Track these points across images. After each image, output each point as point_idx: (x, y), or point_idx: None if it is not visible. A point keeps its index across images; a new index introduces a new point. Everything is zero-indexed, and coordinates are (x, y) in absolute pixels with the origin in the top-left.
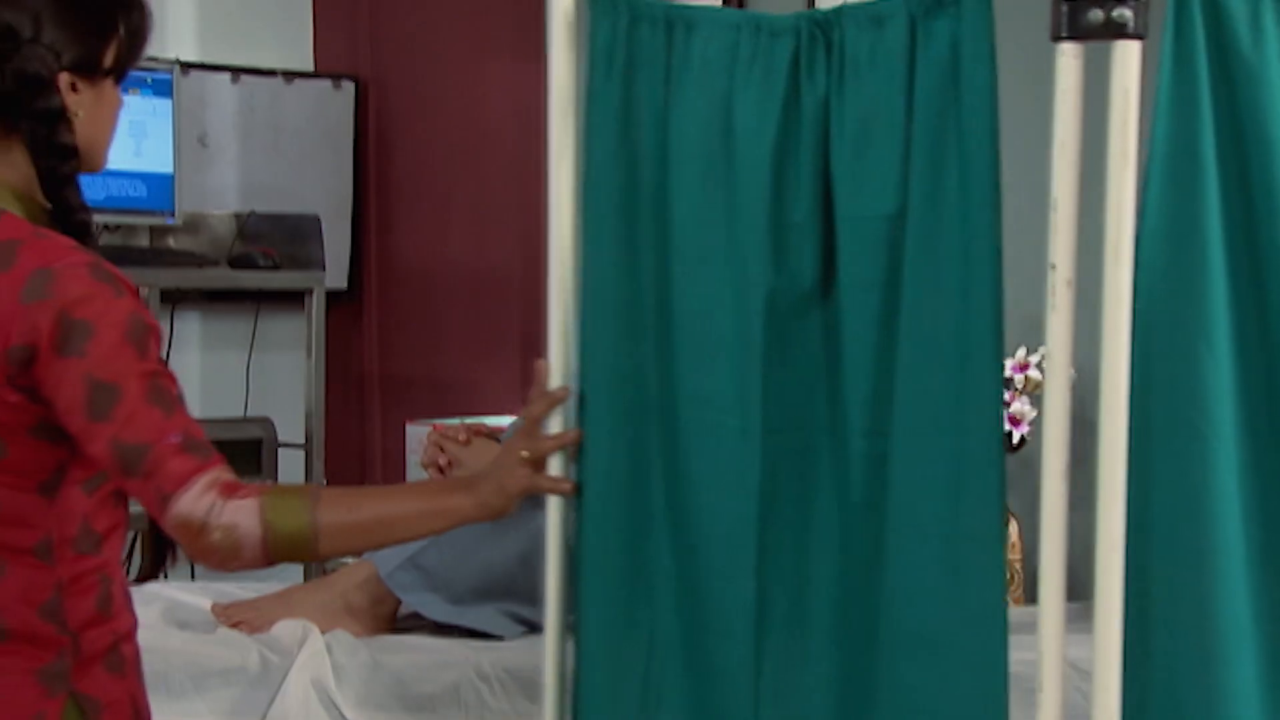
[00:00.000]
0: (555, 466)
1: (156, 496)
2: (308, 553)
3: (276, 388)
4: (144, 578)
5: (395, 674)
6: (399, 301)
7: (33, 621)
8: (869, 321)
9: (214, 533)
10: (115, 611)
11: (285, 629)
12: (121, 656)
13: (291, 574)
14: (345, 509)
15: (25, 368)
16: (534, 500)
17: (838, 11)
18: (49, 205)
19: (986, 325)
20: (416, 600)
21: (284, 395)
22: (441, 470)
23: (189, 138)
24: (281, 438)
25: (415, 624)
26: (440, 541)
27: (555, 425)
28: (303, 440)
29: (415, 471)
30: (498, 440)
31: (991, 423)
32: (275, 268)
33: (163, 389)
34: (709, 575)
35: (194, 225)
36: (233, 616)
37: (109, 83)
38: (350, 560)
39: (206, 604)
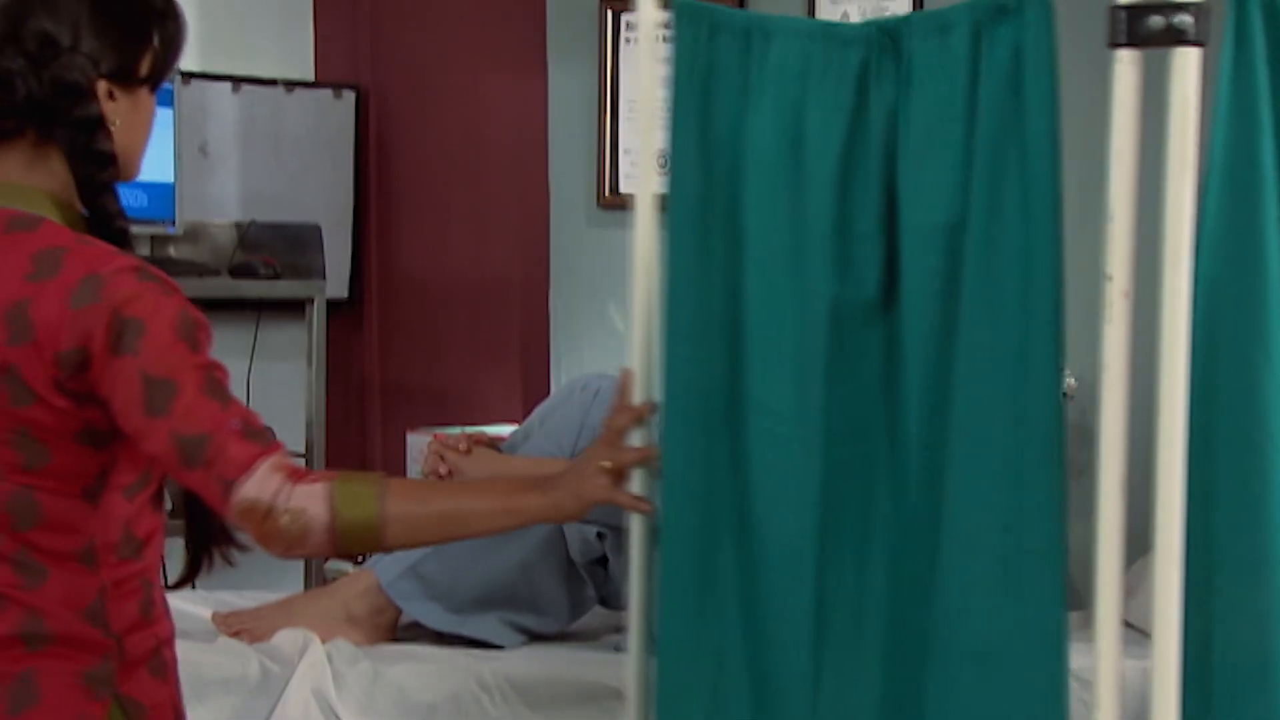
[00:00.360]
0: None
1: (219, 484)
2: (374, 543)
3: (277, 397)
4: (179, 584)
5: (396, 683)
6: (400, 310)
7: (77, 625)
8: (929, 332)
9: (281, 516)
10: (156, 616)
11: (286, 638)
12: (163, 661)
13: (292, 583)
14: (415, 501)
15: (78, 371)
16: None
17: (906, 20)
18: (86, 212)
19: (1046, 336)
20: (417, 609)
21: (285, 404)
22: (442, 479)
23: (190, 147)
24: None
25: (416, 633)
26: (441, 551)
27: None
28: (303, 449)
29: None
30: (498, 449)
31: (1050, 435)
32: (276, 277)
33: (217, 381)
34: (770, 588)
35: (195, 234)
36: (233, 625)
37: (144, 91)
38: (351, 569)
39: (207, 613)
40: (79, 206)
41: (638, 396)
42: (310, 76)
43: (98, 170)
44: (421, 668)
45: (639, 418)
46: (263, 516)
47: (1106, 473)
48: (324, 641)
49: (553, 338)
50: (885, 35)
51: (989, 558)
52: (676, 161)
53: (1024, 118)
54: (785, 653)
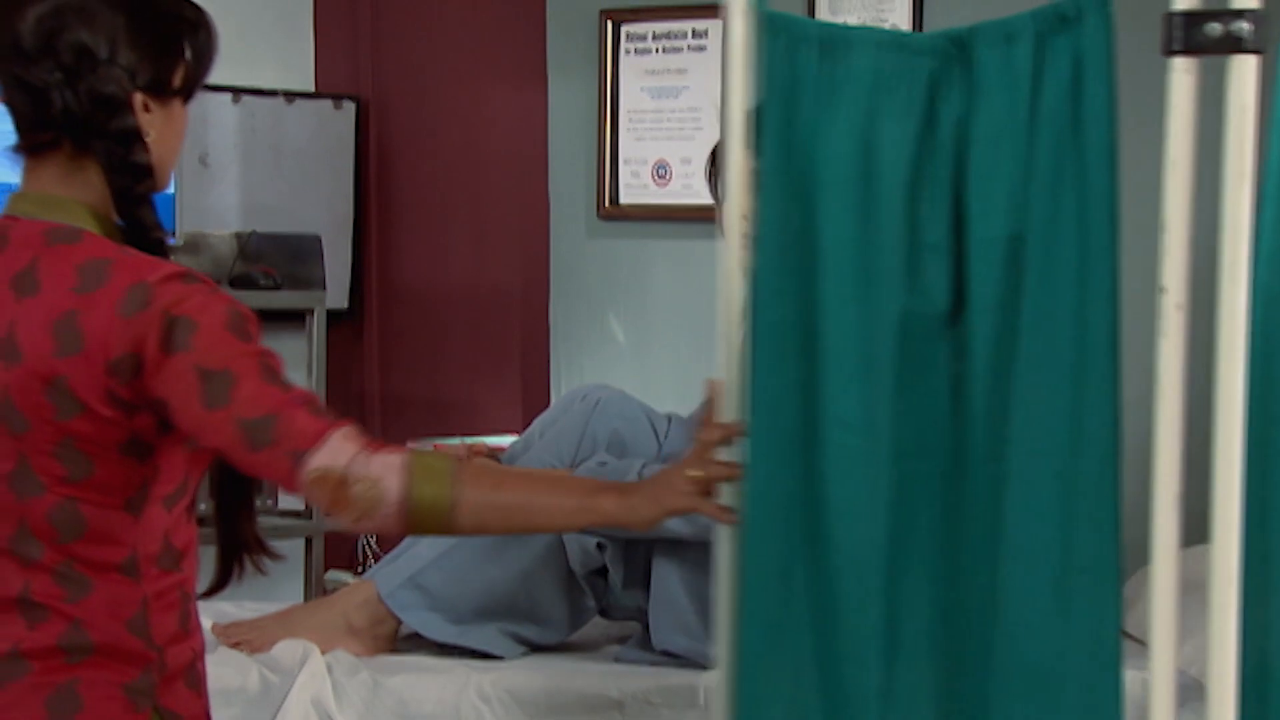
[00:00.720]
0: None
1: (289, 459)
2: (444, 524)
3: None
4: (209, 593)
5: (395, 694)
6: (400, 321)
7: (122, 636)
8: (992, 345)
9: (355, 485)
10: (193, 628)
11: (286, 649)
12: (198, 674)
13: (292, 594)
14: (488, 486)
15: (131, 378)
16: None
17: (975, 29)
18: (121, 223)
19: (1103, 351)
20: (417, 620)
21: None
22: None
23: (190, 157)
24: None
25: (416, 644)
26: (441, 562)
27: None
28: None
29: None
30: (498, 460)
31: (1107, 451)
32: (276, 287)
33: (272, 368)
34: (841, 603)
35: (195, 245)
36: (233, 636)
37: (177, 102)
38: (351, 580)
39: (207, 623)
40: (114, 218)
41: (724, 412)
42: (310, 87)
43: (134, 182)
44: (421, 678)
45: (730, 435)
46: (336, 484)
47: (1161, 489)
48: (324, 652)
49: (553, 348)
50: (954, 45)
51: (1045, 575)
52: (763, 175)
53: (1083, 128)
54: (856, 668)
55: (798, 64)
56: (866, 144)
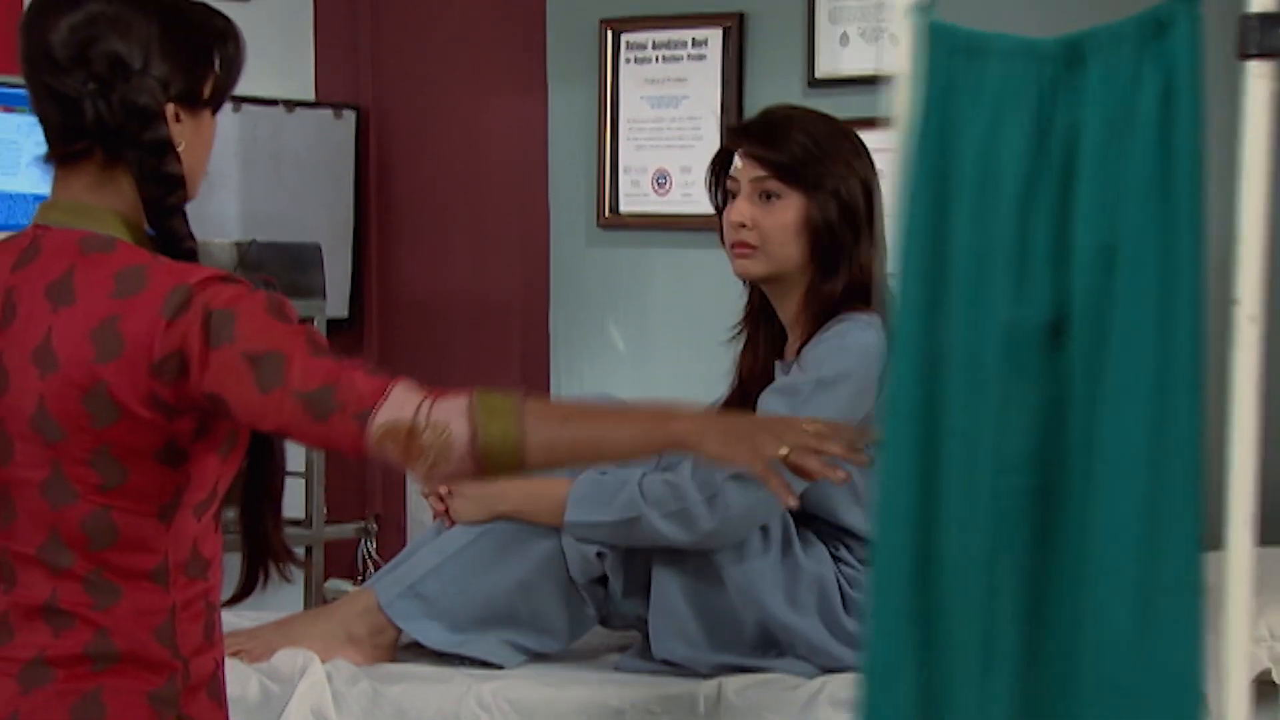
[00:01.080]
0: None
1: (354, 422)
2: (516, 463)
3: None
4: (232, 600)
5: (395, 703)
6: (400, 330)
7: (148, 645)
8: (1085, 358)
9: (424, 434)
10: (216, 639)
11: (285, 658)
12: (219, 684)
13: (292, 603)
14: (557, 421)
15: (175, 378)
16: (533, 529)
17: (1089, 34)
18: (152, 233)
19: (1186, 366)
20: (417, 629)
21: None
22: (442, 498)
23: None
24: None
25: (416, 653)
26: (441, 571)
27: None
28: (303, 468)
29: (416, 499)
30: None
31: (1190, 469)
32: None
33: (319, 343)
34: (945, 617)
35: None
36: (232, 645)
37: (207, 113)
38: (351, 589)
39: None
40: (145, 227)
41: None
42: (311, 96)
43: (166, 193)
44: (421, 687)
45: (863, 437)
46: (406, 436)
47: (1236, 507)
48: (324, 661)
49: (553, 357)
50: (1071, 51)
51: (1129, 595)
52: (912, 183)
53: (1172, 137)
54: (958, 684)
55: (951, 71)
56: (992, 151)
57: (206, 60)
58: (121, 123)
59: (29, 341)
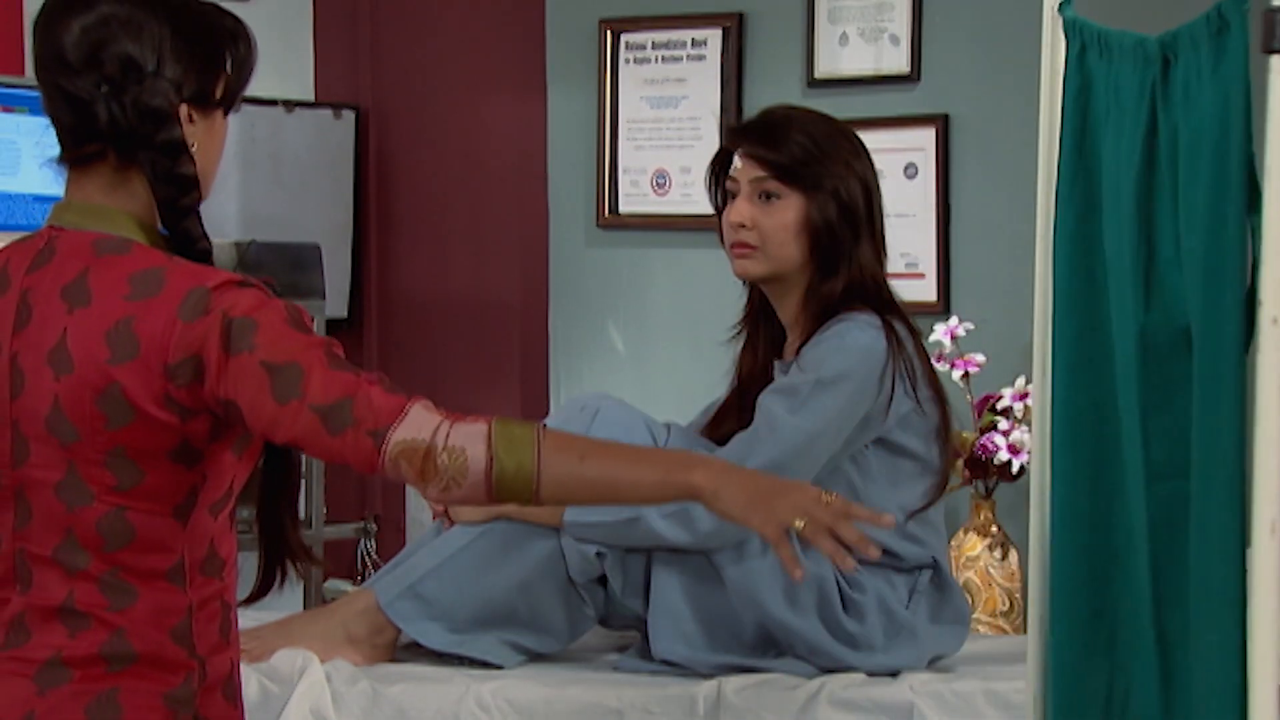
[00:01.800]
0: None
1: (369, 439)
2: (528, 496)
3: None
4: (249, 600)
5: (395, 703)
6: (399, 330)
7: (165, 645)
8: (1186, 361)
9: (440, 455)
10: (232, 639)
11: (285, 658)
12: (235, 684)
13: (291, 603)
14: (574, 457)
15: (190, 381)
16: (533, 529)
17: (1176, 33)
18: (166, 233)
19: (1229, 371)
20: (416, 630)
21: None
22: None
23: None
24: None
25: (415, 653)
26: (440, 571)
27: None
28: (302, 469)
29: (416, 501)
30: None
31: (1231, 473)
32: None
33: (338, 355)
34: (1072, 633)
35: None
36: None
37: (219, 114)
38: (350, 589)
39: None
40: (160, 228)
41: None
42: (310, 96)
43: (181, 194)
44: (420, 687)
45: (877, 522)
46: (423, 455)
47: (1260, 514)
48: (323, 661)
49: (552, 357)
50: (1164, 50)
51: (1216, 606)
52: (1060, 183)
53: (1228, 138)
54: (1139, 692)
55: (1086, 70)
56: (1117, 154)
57: (218, 61)
58: (135, 125)
59: (44, 343)
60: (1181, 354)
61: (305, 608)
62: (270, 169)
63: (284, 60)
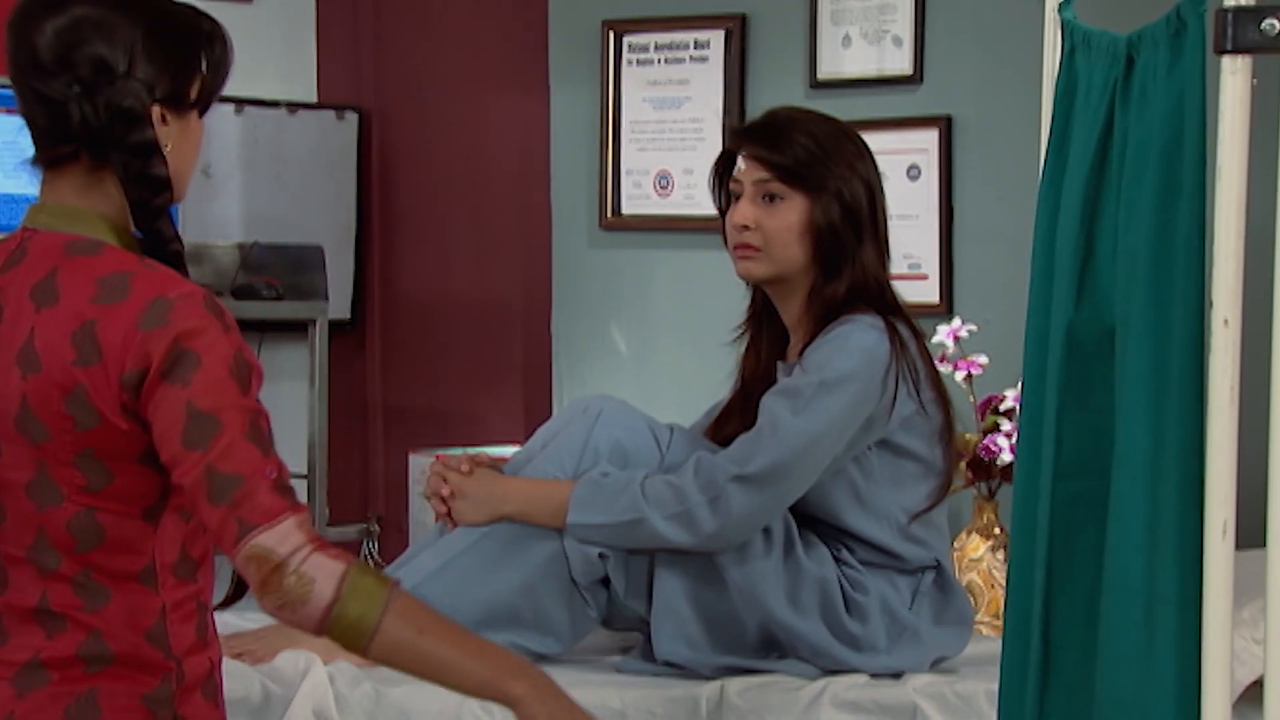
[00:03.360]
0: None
1: (237, 525)
2: (358, 645)
3: (279, 418)
4: (223, 605)
5: (398, 705)
6: (402, 331)
7: (140, 646)
8: (1119, 365)
9: (289, 576)
10: (210, 639)
11: (288, 659)
12: (215, 684)
13: None
14: (413, 629)
15: (135, 393)
16: (535, 530)
17: (1138, 33)
18: (139, 235)
19: (1186, 373)
20: None
21: (287, 425)
22: (444, 500)
23: None
24: None
25: None
26: (443, 573)
27: None
28: (305, 470)
29: (418, 501)
30: (500, 470)
31: (1187, 478)
32: (278, 298)
33: (260, 428)
34: (1015, 631)
35: (197, 256)
36: (235, 647)
37: (194, 115)
38: None
39: None
40: (133, 229)
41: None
42: (313, 98)
43: (152, 195)
44: (423, 689)
45: None
46: (271, 569)
47: (1212, 516)
48: (326, 663)
49: (555, 359)
50: (1127, 49)
51: (1135, 605)
52: (1040, 184)
53: (1181, 139)
54: (1021, 694)
55: (1071, 70)
56: (1082, 152)
57: (193, 62)
58: (106, 125)
59: (13, 343)
60: (1106, 354)
61: None
62: (273, 170)
63: (287, 62)
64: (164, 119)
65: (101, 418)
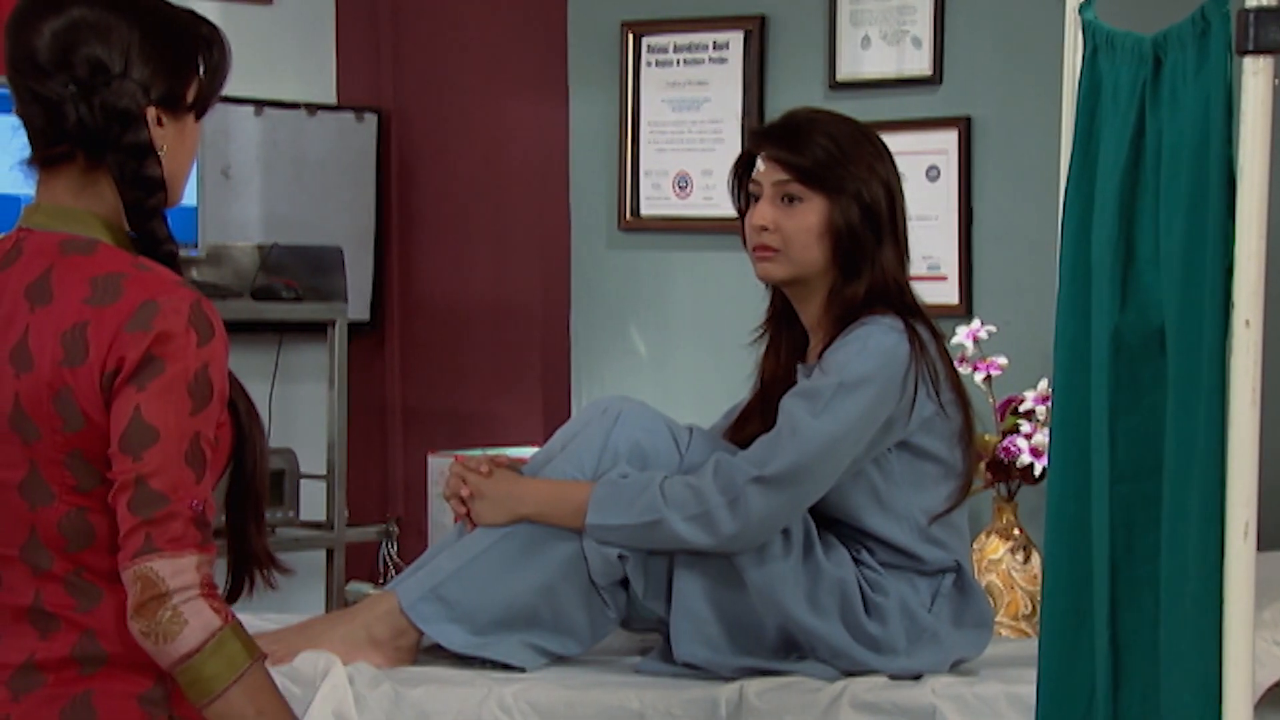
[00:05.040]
0: None
1: (143, 540)
2: (198, 700)
3: (298, 419)
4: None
5: (417, 706)
6: (421, 333)
7: (134, 646)
8: (1158, 361)
9: (166, 610)
10: None
11: (307, 660)
12: None
13: (313, 605)
14: (253, 709)
15: (110, 392)
16: (555, 531)
17: (1164, 34)
18: (134, 235)
19: (1211, 374)
20: (438, 632)
21: (306, 426)
22: (464, 501)
23: (212, 170)
24: (303, 469)
25: (437, 655)
26: (463, 574)
27: None
28: (324, 471)
29: (437, 502)
30: (519, 471)
31: (1210, 476)
32: (298, 299)
33: (200, 452)
34: (1058, 633)
35: (217, 257)
36: None
37: (190, 118)
38: (372, 592)
39: None
40: (127, 230)
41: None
42: (332, 100)
43: (146, 196)
44: (443, 690)
45: None
46: (153, 596)
47: (1233, 517)
48: (345, 664)
49: (573, 360)
50: (1154, 50)
51: (1183, 608)
52: (1066, 185)
53: (1209, 139)
54: (1099, 695)
55: (1094, 71)
56: (1113, 154)
57: (189, 65)
58: (102, 126)
59: (8, 341)
60: (1154, 354)
61: (327, 610)
62: (292, 172)
63: (306, 63)
64: (160, 121)
65: (87, 419)
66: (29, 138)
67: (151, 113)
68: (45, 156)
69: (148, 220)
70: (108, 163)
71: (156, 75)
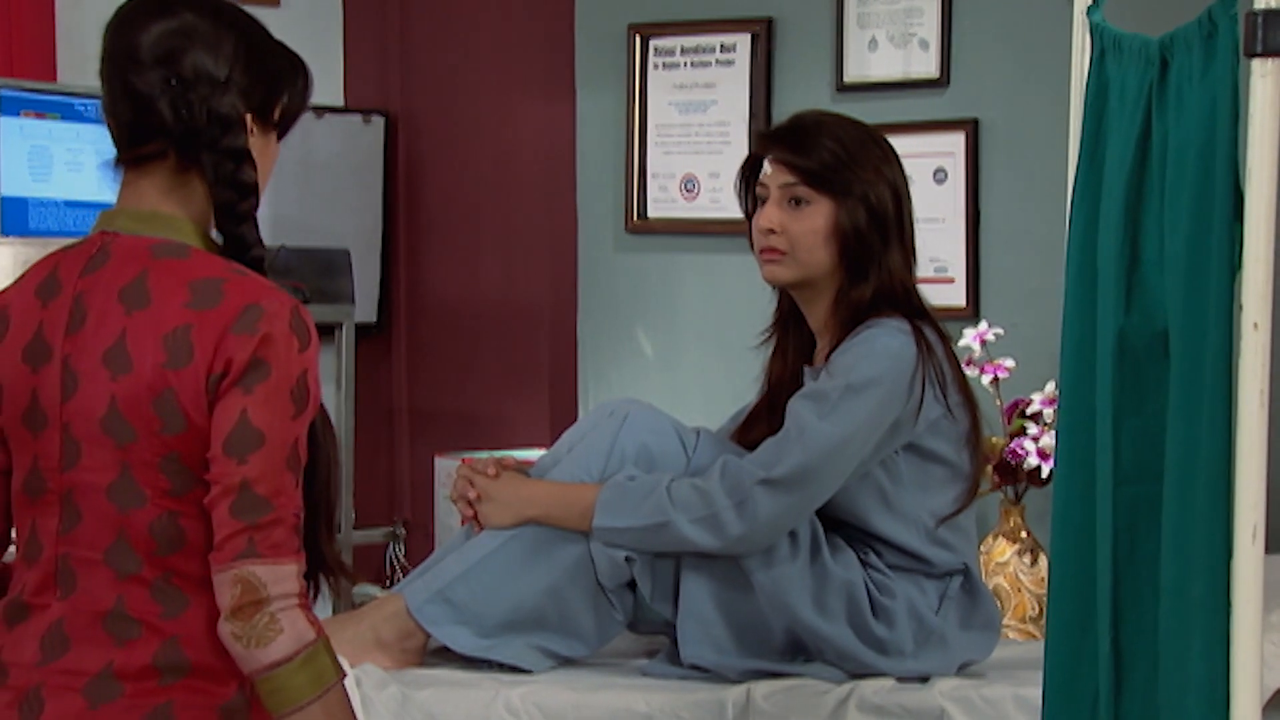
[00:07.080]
0: None
1: (245, 544)
2: (276, 710)
3: None
4: None
5: (424, 708)
6: (428, 335)
7: (217, 655)
8: (1163, 364)
9: (264, 616)
10: None
11: None
12: None
13: (321, 608)
14: None
15: (215, 394)
16: (562, 533)
17: (1171, 36)
18: (220, 239)
19: (1217, 376)
20: (446, 634)
21: None
22: (471, 503)
23: None
24: None
25: (444, 657)
26: (470, 576)
27: None
28: (340, 487)
29: (444, 504)
30: (526, 473)
31: (1216, 479)
32: (305, 301)
33: (298, 458)
34: (1064, 636)
35: None
36: None
37: (273, 135)
38: (379, 594)
39: None
40: (213, 234)
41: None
42: (340, 102)
43: (240, 199)
44: (450, 692)
45: None
46: (253, 600)
47: (1241, 520)
48: (352, 666)
49: (580, 362)
50: (1161, 53)
51: (1183, 609)
52: (1074, 188)
53: (1215, 141)
54: (1101, 699)
55: (1102, 73)
56: (1118, 157)
57: (281, 84)
58: (203, 127)
59: (100, 344)
60: (1158, 357)
61: (335, 612)
62: (300, 174)
63: (313, 65)
64: (253, 130)
65: (188, 421)
66: (115, 139)
67: (249, 119)
68: (136, 156)
69: (239, 224)
70: (202, 164)
71: (256, 85)
